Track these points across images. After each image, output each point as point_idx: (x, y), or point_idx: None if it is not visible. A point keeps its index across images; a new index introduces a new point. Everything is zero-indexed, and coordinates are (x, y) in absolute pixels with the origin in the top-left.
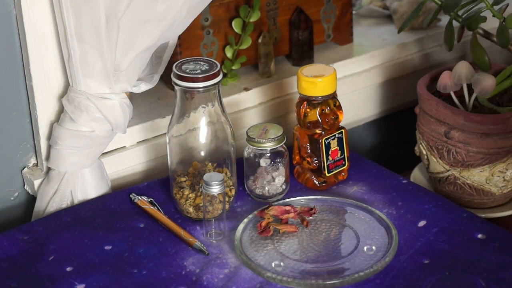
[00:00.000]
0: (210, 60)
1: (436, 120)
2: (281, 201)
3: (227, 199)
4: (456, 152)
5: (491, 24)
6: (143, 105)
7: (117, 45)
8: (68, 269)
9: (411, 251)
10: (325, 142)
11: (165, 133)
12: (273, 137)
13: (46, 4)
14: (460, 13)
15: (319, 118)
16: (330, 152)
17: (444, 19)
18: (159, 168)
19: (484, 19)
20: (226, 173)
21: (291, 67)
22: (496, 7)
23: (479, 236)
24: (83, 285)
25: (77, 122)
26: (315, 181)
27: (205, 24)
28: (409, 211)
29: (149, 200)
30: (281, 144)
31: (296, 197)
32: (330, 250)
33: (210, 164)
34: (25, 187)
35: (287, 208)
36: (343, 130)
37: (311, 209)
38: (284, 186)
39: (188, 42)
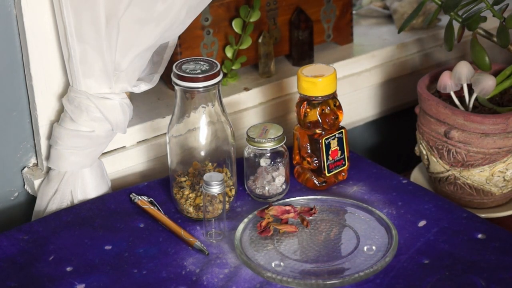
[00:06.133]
0: (210, 60)
1: (436, 120)
2: (281, 201)
3: (227, 199)
4: (456, 152)
5: (491, 24)
6: (143, 105)
7: (117, 45)
8: (68, 269)
9: (411, 251)
10: (325, 142)
11: (165, 133)
12: (273, 137)
13: (46, 4)
14: (460, 13)
15: (319, 118)
16: (330, 152)
17: (444, 19)
18: (159, 168)
19: (484, 19)
20: (226, 173)
21: (291, 67)
22: (496, 7)
23: (479, 236)
24: (83, 285)
25: (77, 122)
26: (315, 181)
27: (205, 24)
28: (409, 211)
29: (149, 200)
30: (281, 144)
31: (296, 197)
32: (330, 250)
33: (210, 164)
34: (25, 187)
35: (287, 208)
36: (343, 130)
37: (311, 209)
38: (284, 186)
39: (188, 42)
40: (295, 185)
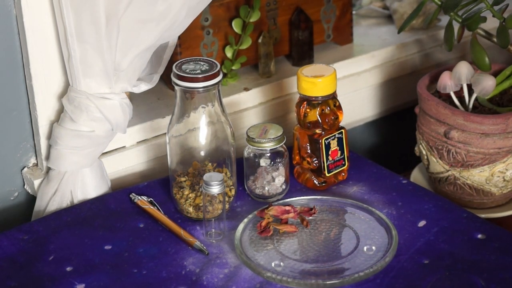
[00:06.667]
0: (210, 60)
1: (436, 120)
2: (281, 201)
3: (227, 199)
4: (456, 152)
5: (491, 24)
6: (143, 105)
7: (117, 45)
8: (68, 269)
9: (411, 251)
10: (325, 142)
11: (165, 133)
12: (273, 137)
13: (46, 4)
14: (460, 13)
15: (319, 118)
16: (330, 152)
17: (444, 19)
18: (159, 168)
19: (484, 19)
20: (226, 173)
21: (291, 67)
22: (496, 7)
23: (479, 236)
24: (83, 285)
25: (77, 122)
26: (315, 181)
27: (205, 24)
28: (409, 211)
29: (149, 200)
30: (281, 144)
31: (296, 197)
32: (330, 250)
33: (210, 164)
34: (25, 187)
35: (287, 208)
36: (343, 130)
37: (311, 209)
38: (284, 186)
39: (188, 42)
40: (295, 185)
